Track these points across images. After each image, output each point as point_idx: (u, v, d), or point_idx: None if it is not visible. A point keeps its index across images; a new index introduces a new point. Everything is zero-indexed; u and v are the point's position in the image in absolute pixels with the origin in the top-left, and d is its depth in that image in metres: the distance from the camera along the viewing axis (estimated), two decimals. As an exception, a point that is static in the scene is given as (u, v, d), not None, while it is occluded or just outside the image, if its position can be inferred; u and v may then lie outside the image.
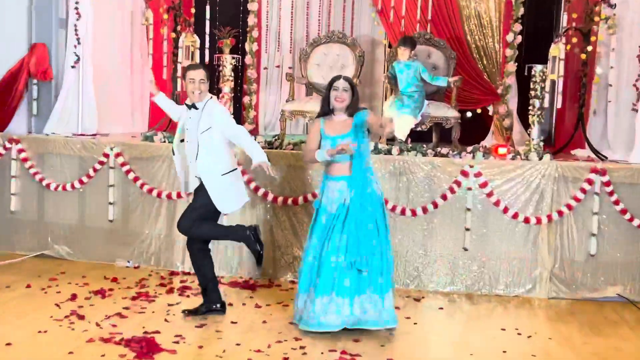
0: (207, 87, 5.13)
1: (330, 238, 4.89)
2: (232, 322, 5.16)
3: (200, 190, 5.14)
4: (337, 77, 5.05)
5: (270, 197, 6.40)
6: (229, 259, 6.52)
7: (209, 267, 5.30)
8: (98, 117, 7.63)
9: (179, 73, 8.04)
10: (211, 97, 5.17)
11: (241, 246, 6.40)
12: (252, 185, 6.41)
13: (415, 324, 5.33)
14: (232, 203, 5.26)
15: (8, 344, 4.48)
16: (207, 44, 8.23)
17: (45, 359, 4.28)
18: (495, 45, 8.58)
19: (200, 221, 5.14)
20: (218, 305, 5.31)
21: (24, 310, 5.22)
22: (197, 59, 8.05)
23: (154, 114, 8.89)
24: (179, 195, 6.47)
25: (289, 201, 6.38)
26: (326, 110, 5.04)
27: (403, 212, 6.22)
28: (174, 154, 5.30)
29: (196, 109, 5.10)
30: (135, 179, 6.64)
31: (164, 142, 6.82)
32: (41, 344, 4.54)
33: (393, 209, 6.22)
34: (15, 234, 6.91)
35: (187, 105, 5.18)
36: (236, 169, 5.27)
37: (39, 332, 4.75)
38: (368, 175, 4.98)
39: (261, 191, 6.42)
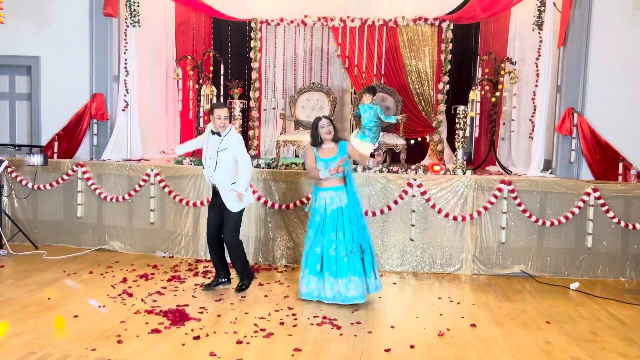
0: (229, 121, 5.09)
1: (337, 233, 4.87)
2: (242, 297, 5.10)
3: (223, 203, 5.05)
4: (319, 118, 5.01)
5: (269, 203, 6.36)
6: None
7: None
8: (142, 147, 7.55)
9: (201, 114, 8.02)
10: (231, 127, 5.11)
11: (249, 238, 6.38)
12: (256, 195, 6.36)
13: (379, 296, 5.30)
14: (240, 204, 5.12)
15: (75, 316, 4.41)
16: (221, 93, 8.21)
17: (103, 327, 4.20)
18: (430, 91, 8.66)
19: (238, 239, 5.13)
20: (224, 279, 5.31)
21: (87, 290, 5.13)
22: (215, 104, 8.02)
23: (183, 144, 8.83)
24: (202, 204, 6.41)
25: (283, 207, 6.34)
26: (316, 142, 5.02)
27: (366, 213, 6.18)
28: (203, 167, 5.20)
29: (219, 135, 5.04)
30: (170, 192, 6.57)
31: (191, 164, 6.76)
32: (100, 315, 4.47)
33: (359, 211, 6.22)
34: (81, 233, 6.80)
35: (211, 131, 5.08)
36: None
37: (99, 306, 4.67)
38: (355, 187, 5.05)
39: (262, 200, 6.37)
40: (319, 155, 4.97)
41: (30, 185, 6.83)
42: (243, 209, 5.14)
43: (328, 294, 4.88)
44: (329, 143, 4.98)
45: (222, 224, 5.13)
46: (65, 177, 6.78)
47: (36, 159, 6.46)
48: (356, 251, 4.88)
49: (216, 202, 5.15)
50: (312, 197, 5.10)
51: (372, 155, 7.34)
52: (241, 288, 5.23)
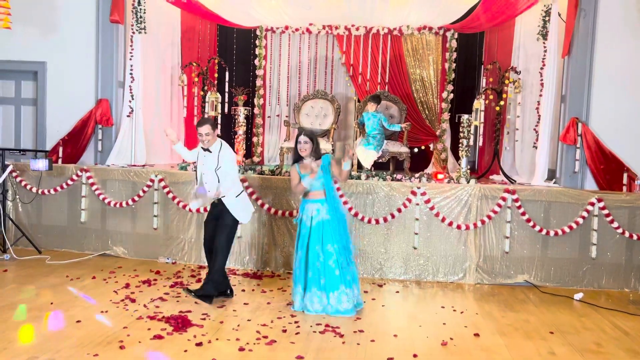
0: (214, 135, 4.98)
1: (324, 245, 4.84)
2: (245, 304, 5.09)
3: (222, 211, 5.03)
4: (300, 133, 4.95)
5: (272, 210, 6.35)
6: (242, 256, 6.45)
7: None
8: (146, 152, 7.57)
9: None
10: (221, 143, 5.03)
11: (251, 245, 6.38)
12: (259, 202, 6.37)
13: (382, 305, 5.30)
14: (246, 214, 5.18)
15: (78, 321, 4.40)
16: (226, 100, 8.24)
17: (105, 332, 4.19)
18: (434, 100, 8.68)
19: (230, 242, 5.08)
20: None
21: (90, 296, 5.12)
22: (219, 111, 8.05)
23: (187, 150, 8.85)
24: (205, 210, 6.39)
25: (287, 214, 6.33)
26: (297, 158, 4.98)
27: (369, 221, 6.19)
28: (197, 182, 5.14)
29: (210, 152, 5.01)
30: (173, 197, 6.58)
31: (194, 171, 6.76)
32: (103, 320, 4.45)
33: (362, 219, 6.20)
34: (84, 238, 6.81)
35: (202, 148, 5.05)
36: (243, 190, 5.24)
37: (101, 312, 4.66)
38: (338, 199, 5.01)
39: (266, 206, 6.37)
40: (300, 171, 4.93)
41: (34, 190, 6.85)
42: (237, 223, 5.09)
43: (317, 307, 4.82)
44: (308, 158, 4.93)
45: (213, 230, 5.11)
46: (69, 182, 6.80)
47: (41, 164, 6.48)
48: (344, 263, 4.84)
49: (214, 215, 5.11)
50: (299, 210, 5.05)
51: (374, 164, 7.35)
52: (202, 295, 4.92)
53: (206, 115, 7.83)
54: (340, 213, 4.96)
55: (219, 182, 4.98)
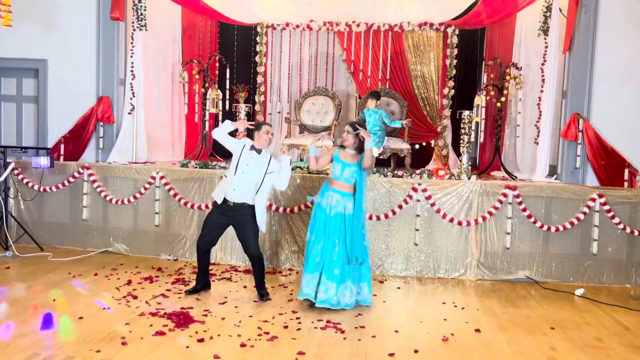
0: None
1: (340, 237, 4.84)
2: (246, 300, 5.10)
3: (246, 219, 4.91)
4: (349, 123, 4.98)
5: (274, 207, 6.35)
6: (244, 253, 6.43)
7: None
8: (147, 150, 7.58)
9: (207, 118, 8.07)
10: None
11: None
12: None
13: (383, 301, 5.30)
14: (265, 223, 5.13)
15: (80, 318, 4.42)
16: (227, 97, 8.25)
17: (108, 329, 4.21)
18: (435, 96, 8.67)
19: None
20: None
21: (92, 292, 5.15)
22: (220, 108, 8.06)
23: (189, 147, 8.88)
24: (207, 207, 6.42)
25: (288, 210, 6.35)
26: (343, 144, 4.99)
27: (370, 217, 6.19)
28: (226, 177, 5.04)
29: (258, 153, 4.94)
30: (175, 194, 6.59)
31: (196, 167, 6.78)
32: (105, 317, 4.47)
33: (363, 215, 6.21)
34: (86, 235, 6.82)
35: (254, 147, 4.93)
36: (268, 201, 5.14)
37: (104, 308, 4.68)
38: (363, 199, 4.97)
39: (267, 203, 6.36)
40: (339, 156, 4.93)
41: (36, 187, 6.86)
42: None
43: (321, 297, 4.81)
44: (351, 149, 4.94)
45: (216, 238, 5.09)
46: (71, 179, 6.81)
47: (43, 161, 6.50)
48: (352, 260, 4.85)
49: (225, 222, 5.00)
50: (320, 193, 4.99)
51: (376, 160, 7.35)
52: (265, 298, 5.09)
53: (210, 110, 7.83)
54: (362, 211, 4.91)
55: (259, 185, 4.87)
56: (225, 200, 4.97)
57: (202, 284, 5.25)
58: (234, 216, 4.96)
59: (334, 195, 4.90)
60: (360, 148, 4.91)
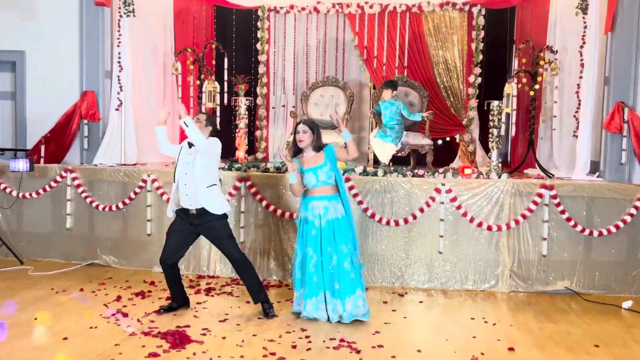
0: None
1: (337, 246, 4.90)
2: (249, 317, 5.11)
3: (209, 224, 4.94)
4: (299, 122, 5.04)
5: (279, 212, 6.37)
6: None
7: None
8: (137, 150, 7.64)
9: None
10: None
11: (255, 252, 6.40)
12: (264, 203, 6.38)
13: (404, 316, 5.29)
14: (224, 204, 5.04)
15: (65, 338, 4.45)
16: (225, 89, 8.28)
17: (95, 351, 4.23)
18: (459, 85, 8.66)
19: (238, 248, 5.12)
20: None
21: (78, 310, 5.17)
22: (218, 102, 8.10)
23: (183, 146, 8.89)
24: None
25: (295, 215, 6.35)
26: (296, 150, 5.03)
27: (388, 223, 6.19)
28: (177, 186, 5.06)
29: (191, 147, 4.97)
30: (168, 200, 6.60)
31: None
32: (92, 337, 4.50)
33: (379, 220, 6.20)
34: (70, 246, 6.88)
35: (190, 144, 5.00)
36: (215, 184, 5.04)
37: (90, 327, 4.71)
38: (348, 196, 5.04)
39: (271, 208, 6.38)
40: (301, 165, 4.96)
41: (14, 193, 6.93)
42: (227, 219, 5.05)
43: (333, 317, 4.88)
44: (309, 151, 4.97)
45: (183, 249, 5.06)
46: (53, 184, 6.88)
47: (21, 164, 6.56)
48: (356, 264, 4.92)
49: (190, 230, 5.01)
50: (301, 208, 5.06)
51: (393, 158, 7.35)
52: (269, 312, 5.06)
53: (206, 105, 7.89)
54: (350, 209, 5.04)
55: (195, 172, 4.88)
56: (186, 209, 4.98)
57: (181, 301, 5.23)
58: (200, 224, 4.98)
59: (320, 204, 4.93)
60: (318, 146, 4.96)
